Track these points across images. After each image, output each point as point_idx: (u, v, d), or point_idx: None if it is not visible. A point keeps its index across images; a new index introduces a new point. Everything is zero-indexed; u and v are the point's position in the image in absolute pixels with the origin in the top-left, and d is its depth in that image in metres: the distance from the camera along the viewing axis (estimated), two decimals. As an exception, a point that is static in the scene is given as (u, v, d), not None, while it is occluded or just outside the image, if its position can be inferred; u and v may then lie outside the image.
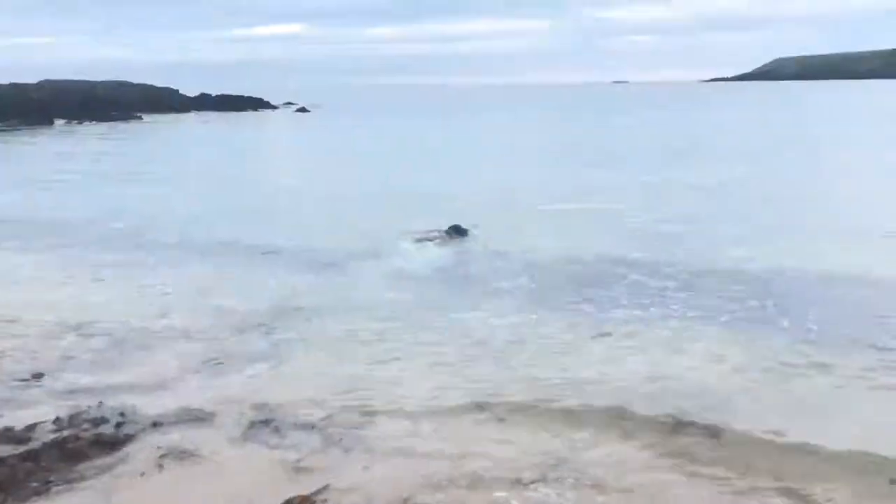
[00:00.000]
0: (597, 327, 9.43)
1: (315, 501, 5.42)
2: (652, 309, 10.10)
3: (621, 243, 14.03)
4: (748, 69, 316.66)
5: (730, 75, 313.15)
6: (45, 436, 6.43)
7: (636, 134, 45.88)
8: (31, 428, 6.58)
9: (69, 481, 5.73)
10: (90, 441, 6.34)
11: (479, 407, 7.09)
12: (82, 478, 5.80)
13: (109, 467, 5.98)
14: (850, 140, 37.53)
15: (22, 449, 6.17)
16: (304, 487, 5.58)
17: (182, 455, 6.18)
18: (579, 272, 12.11)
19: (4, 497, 5.49)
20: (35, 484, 5.65)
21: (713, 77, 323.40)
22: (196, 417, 6.91)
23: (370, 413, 6.95)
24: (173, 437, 6.50)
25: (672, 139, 39.75)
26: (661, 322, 9.60)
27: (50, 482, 5.70)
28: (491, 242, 14.10)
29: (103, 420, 6.81)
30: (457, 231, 14.66)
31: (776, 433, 6.51)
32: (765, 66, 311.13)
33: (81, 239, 15.46)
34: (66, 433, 6.47)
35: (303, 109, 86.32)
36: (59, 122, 60.25)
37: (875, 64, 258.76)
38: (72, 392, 7.52)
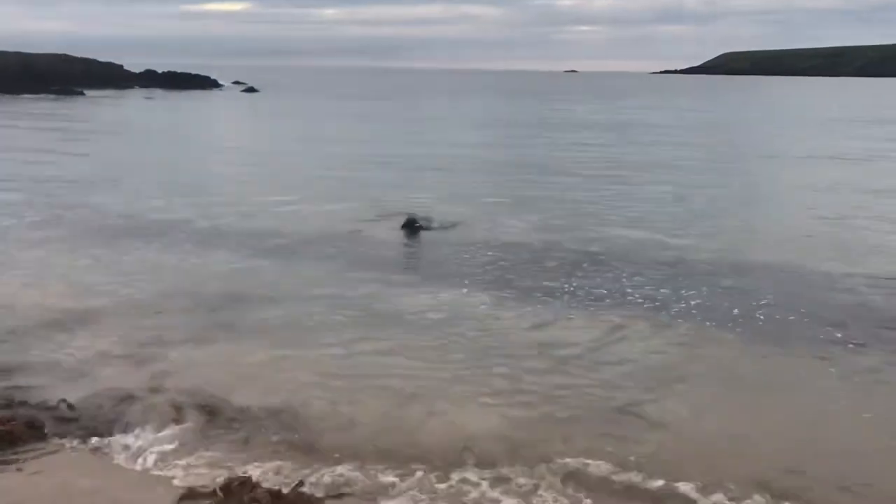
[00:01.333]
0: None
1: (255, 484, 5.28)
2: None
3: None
4: (698, 62, 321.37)
5: (680, 68, 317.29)
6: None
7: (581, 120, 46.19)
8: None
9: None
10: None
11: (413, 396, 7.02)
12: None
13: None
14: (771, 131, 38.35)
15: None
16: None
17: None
18: (536, 258, 12.07)
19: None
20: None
21: (663, 69, 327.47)
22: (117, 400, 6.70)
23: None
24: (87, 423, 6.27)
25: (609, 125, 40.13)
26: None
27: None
28: (443, 231, 13.91)
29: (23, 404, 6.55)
30: (409, 221, 14.02)
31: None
32: (714, 59, 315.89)
33: (23, 217, 14.91)
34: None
35: (251, 89, 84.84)
36: (-6, 95, 58.24)
37: (816, 62, 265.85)
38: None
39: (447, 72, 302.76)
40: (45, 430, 6.14)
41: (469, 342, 8.44)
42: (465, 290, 10.34)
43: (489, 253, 12.42)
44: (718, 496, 5.41)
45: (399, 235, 13.56)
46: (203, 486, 5.25)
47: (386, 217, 14.55)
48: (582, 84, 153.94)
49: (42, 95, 60.17)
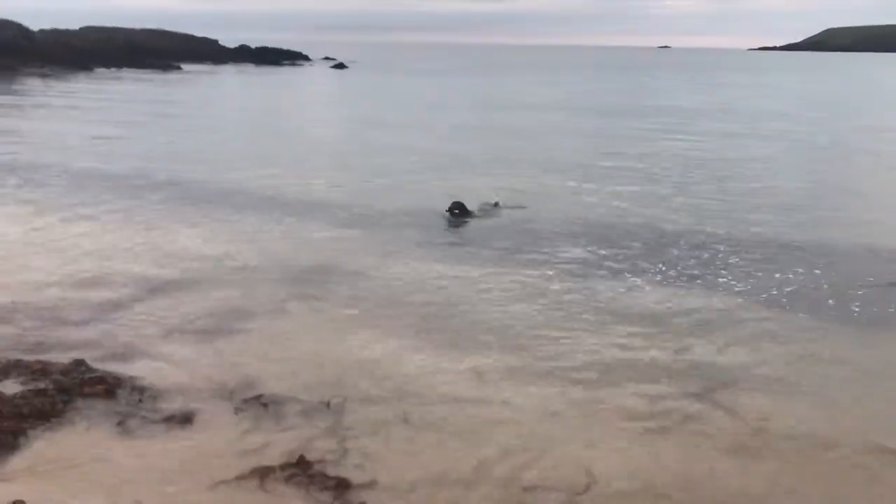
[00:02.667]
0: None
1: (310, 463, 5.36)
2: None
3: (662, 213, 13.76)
4: (798, 38, 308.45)
5: (779, 44, 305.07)
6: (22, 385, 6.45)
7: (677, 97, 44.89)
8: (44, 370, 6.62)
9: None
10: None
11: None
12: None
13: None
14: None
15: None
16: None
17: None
18: (619, 240, 11.85)
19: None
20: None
21: (761, 46, 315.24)
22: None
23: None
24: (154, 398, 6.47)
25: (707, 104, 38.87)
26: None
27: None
28: (521, 213, 13.74)
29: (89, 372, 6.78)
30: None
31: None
32: (816, 35, 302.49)
33: (118, 186, 15.51)
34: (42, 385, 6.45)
35: (340, 65, 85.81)
36: (99, 70, 60.68)
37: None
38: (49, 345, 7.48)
39: (537, 48, 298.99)
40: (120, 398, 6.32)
41: (562, 315, 8.37)
42: (549, 271, 10.21)
43: (576, 231, 12.28)
44: None
45: (487, 213, 13.42)
46: (272, 463, 5.33)
47: (475, 195, 14.38)
48: (678, 60, 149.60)
49: (142, 70, 62.28)
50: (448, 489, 5.16)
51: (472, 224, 12.79)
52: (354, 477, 5.24)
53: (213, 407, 6.22)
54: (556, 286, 9.61)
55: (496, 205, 13.90)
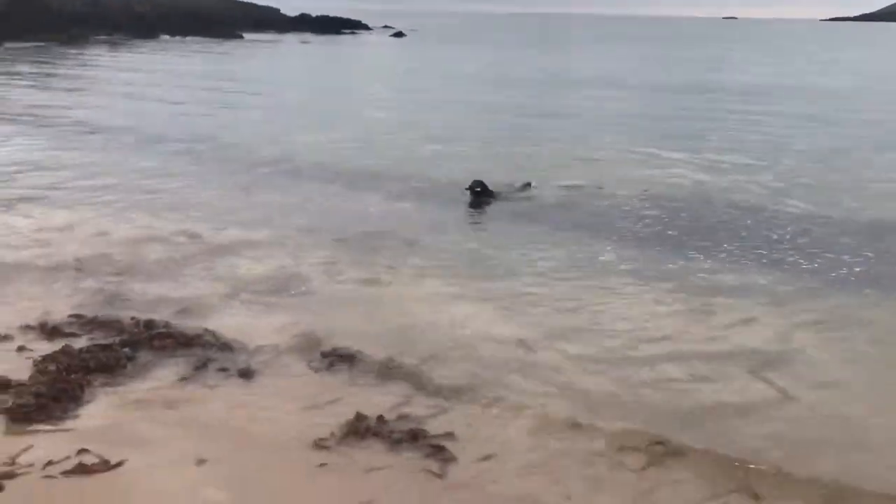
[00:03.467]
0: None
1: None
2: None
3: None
4: (872, 9, 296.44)
5: (852, 14, 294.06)
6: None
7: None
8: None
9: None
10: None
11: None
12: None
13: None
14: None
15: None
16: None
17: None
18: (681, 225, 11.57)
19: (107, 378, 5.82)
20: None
21: (834, 16, 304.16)
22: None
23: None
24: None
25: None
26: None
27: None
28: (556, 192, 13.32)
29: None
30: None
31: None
32: (892, 6, 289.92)
33: (183, 151, 15.77)
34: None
35: (399, 34, 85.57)
36: (163, 37, 61.68)
37: None
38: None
39: (599, 17, 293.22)
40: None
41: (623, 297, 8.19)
42: (608, 247, 10.00)
43: (640, 208, 11.99)
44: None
45: (555, 191, 12.81)
46: (345, 419, 5.32)
47: (519, 174, 14.04)
48: (745, 31, 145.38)
49: (205, 39, 62.99)
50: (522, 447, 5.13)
51: (496, 205, 11.99)
52: (432, 429, 5.25)
53: (283, 362, 6.26)
54: (607, 259, 9.44)
55: (528, 185, 12.83)
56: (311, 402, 5.64)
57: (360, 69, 42.92)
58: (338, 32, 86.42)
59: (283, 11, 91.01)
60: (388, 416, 5.41)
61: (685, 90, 30.94)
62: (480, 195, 12.04)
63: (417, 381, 6.01)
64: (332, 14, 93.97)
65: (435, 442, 5.12)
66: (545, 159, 15.55)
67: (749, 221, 11.05)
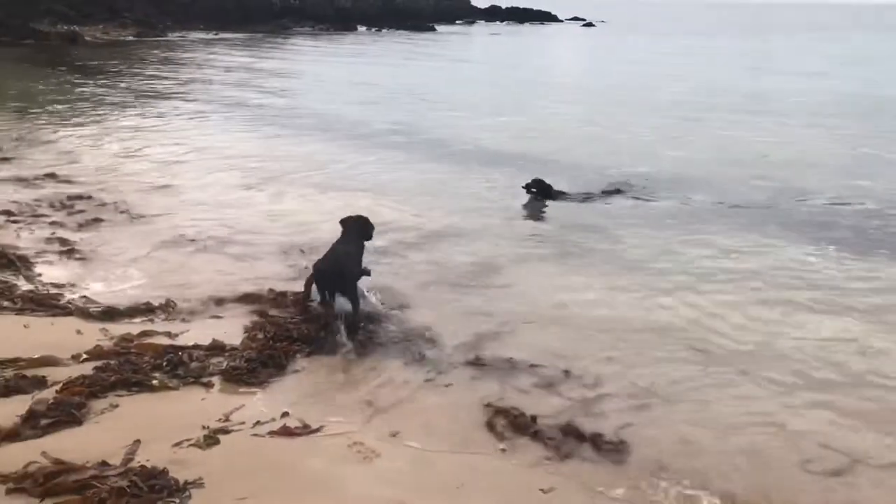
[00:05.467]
0: None
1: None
2: None
3: None
4: None
5: None
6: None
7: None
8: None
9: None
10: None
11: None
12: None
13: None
14: None
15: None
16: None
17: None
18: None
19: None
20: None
21: None
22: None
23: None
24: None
25: None
26: None
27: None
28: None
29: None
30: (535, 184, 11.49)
31: None
32: None
33: (381, 143, 16.46)
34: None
35: (589, 24, 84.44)
36: (361, 29, 64.53)
37: None
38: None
39: (790, 6, 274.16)
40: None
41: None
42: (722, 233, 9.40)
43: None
44: None
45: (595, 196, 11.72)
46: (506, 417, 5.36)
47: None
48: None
49: (399, 31, 65.17)
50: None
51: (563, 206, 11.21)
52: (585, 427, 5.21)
53: (453, 358, 6.29)
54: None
55: (617, 191, 11.76)
56: (477, 398, 5.67)
57: (556, 57, 42.73)
58: (528, 23, 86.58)
59: (473, 3, 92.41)
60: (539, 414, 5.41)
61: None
62: (537, 195, 11.31)
63: (589, 385, 5.92)
64: (521, 6, 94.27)
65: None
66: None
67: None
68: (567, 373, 6.01)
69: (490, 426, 5.23)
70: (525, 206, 11.19)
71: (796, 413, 5.52)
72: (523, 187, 11.38)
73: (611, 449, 5.00)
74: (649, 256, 8.93)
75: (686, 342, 6.62)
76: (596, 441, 5.07)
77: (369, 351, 6.32)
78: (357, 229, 7.49)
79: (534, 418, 5.28)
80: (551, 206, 11.14)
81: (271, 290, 7.41)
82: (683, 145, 15.87)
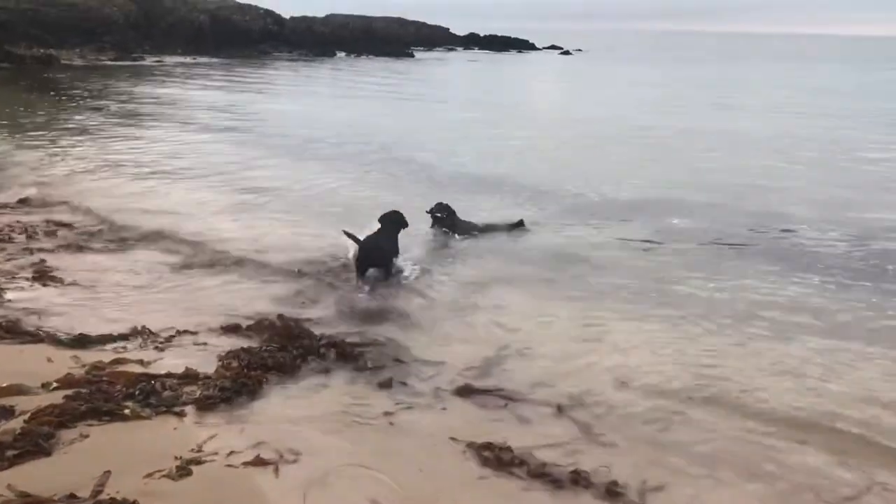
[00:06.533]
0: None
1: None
2: None
3: None
4: None
5: None
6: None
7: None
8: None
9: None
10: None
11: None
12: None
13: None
14: None
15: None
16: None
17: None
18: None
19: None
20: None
21: None
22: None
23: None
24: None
25: None
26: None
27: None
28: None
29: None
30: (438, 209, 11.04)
31: None
32: None
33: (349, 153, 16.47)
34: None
35: (566, 52, 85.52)
36: (339, 54, 64.85)
37: None
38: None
39: (787, 36, 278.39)
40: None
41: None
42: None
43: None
44: None
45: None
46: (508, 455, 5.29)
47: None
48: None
49: (378, 57, 65.58)
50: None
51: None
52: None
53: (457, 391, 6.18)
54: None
55: (519, 224, 11.31)
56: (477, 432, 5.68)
57: (532, 84, 43.10)
58: (505, 51, 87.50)
59: (452, 31, 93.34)
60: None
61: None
62: (441, 221, 10.87)
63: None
64: (500, 33, 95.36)
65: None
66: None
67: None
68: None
69: (473, 457, 5.17)
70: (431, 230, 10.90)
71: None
72: (428, 212, 10.96)
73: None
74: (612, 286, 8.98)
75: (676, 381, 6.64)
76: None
77: (347, 378, 6.27)
78: (392, 220, 9.20)
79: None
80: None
81: (248, 318, 7.37)
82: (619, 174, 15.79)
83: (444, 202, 11.02)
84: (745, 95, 38.22)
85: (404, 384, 6.20)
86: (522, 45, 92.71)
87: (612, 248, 10.43)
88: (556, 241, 10.79)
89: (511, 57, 78.07)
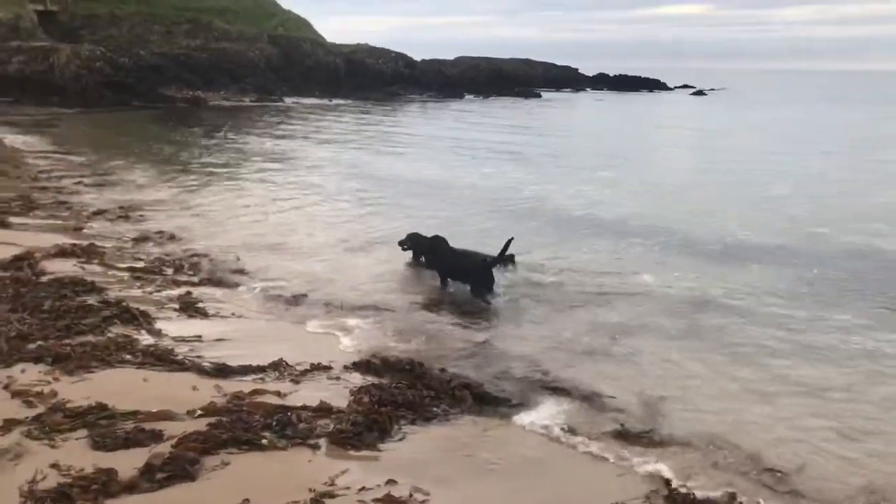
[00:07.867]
0: None
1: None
2: None
3: None
4: None
5: None
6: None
7: None
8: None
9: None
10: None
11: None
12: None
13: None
14: None
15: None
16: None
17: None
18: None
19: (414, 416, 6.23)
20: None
21: None
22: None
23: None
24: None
25: None
26: None
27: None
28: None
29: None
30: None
31: None
32: None
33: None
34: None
35: (699, 93, 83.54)
36: (468, 96, 65.90)
37: None
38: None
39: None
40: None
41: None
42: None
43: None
44: None
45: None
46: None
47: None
48: None
49: (507, 98, 66.28)
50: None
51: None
52: None
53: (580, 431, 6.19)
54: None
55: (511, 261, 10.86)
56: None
57: (661, 123, 42.32)
58: (636, 91, 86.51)
59: (580, 71, 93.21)
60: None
61: None
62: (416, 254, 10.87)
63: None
64: (630, 73, 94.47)
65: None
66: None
67: None
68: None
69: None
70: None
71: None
72: (399, 243, 11.02)
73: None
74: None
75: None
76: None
77: (478, 419, 6.27)
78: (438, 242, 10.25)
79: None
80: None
81: (375, 356, 7.52)
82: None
83: (415, 232, 11.07)
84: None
85: (546, 427, 6.18)
86: (653, 85, 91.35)
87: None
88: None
89: (637, 97, 77.00)
